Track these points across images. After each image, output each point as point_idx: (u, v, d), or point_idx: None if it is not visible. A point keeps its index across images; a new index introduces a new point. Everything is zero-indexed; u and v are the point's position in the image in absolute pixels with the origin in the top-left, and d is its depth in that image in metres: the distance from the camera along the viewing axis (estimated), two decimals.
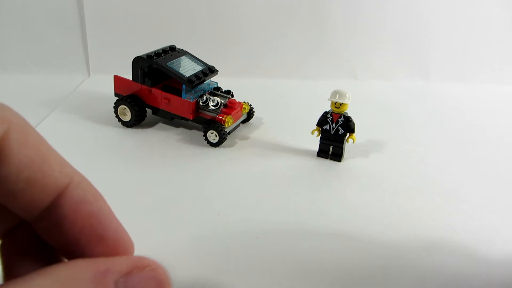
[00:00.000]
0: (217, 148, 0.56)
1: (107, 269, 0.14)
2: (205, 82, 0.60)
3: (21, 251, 0.16)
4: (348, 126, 0.52)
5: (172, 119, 0.61)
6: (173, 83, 0.59)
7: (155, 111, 0.60)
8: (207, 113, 0.57)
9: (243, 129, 0.61)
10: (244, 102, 0.60)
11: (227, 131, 0.56)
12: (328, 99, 0.52)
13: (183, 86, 0.56)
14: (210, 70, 0.61)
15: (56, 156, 0.15)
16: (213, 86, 0.62)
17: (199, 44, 0.80)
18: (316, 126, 0.53)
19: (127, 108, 0.58)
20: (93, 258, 0.14)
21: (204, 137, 0.56)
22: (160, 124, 0.62)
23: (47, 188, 0.14)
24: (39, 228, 0.16)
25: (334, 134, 0.52)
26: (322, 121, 0.53)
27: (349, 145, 0.54)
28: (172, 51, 0.61)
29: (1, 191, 0.14)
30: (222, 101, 0.57)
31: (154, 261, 0.15)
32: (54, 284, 0.12)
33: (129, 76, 0.59)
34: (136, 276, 0.14)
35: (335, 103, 0.51)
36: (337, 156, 0.53)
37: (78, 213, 0.15)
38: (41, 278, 0.12)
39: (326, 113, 0.53)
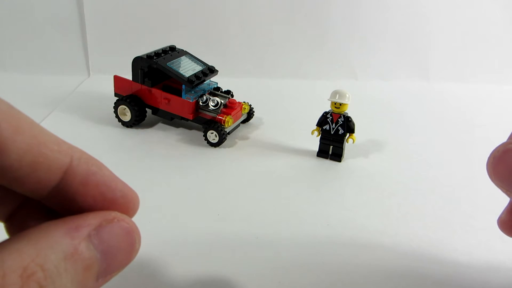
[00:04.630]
0: (217, 148, 0.56)
1: (78, 225, 0.14)
2: (205, 82, 0.60)
3: (33, 225, 0.17)
4: (348, 126, 0.52)
5: (172, 119, 0.61)
6: (173, 83, 0.59)
7: (155, 111, 0.60)
8: (207, 113, 0.57)
9: (243, 129, 0.61)
10: (244, 102, 0.60)
11: (227, 131, 0.56)
12: (328, 99, 0.52)
13: (183, 86, 0.56)
14: (210, 70, 0.61)
15: (51, 137, 0.15)
16: (213, 86, 0.62)
17: (199, 44, 0.80)
18: (316, 126, 0.53)
19: (127, 108, 0.58)
20: (64, 218, 0.15)
21: (204, 137, 0.56)
22: (160, 124, 0.62)
23: (51, 169, 0.15)
24: (49, 203, 0.16)
25: (334, 134, 0.53)
26: (322, 121, 0.53)
27: (349, 145, 0.54)
28: (172, 51, 0.61)
29: (6, 178, 0.14)
30: (222, 101, 0.57)
31: (121, 213, 0.16)
32: (28, 244, 0.13)
33: (129, 76, 0.59)
34: (106, 227, 0.15)
35: (335, 103, 0.51)
36: (337, 156, 0.53)
37: (87, 185, 0.16)
38: (16, 242, 0.13)
39: (326, 113, 0.53)
